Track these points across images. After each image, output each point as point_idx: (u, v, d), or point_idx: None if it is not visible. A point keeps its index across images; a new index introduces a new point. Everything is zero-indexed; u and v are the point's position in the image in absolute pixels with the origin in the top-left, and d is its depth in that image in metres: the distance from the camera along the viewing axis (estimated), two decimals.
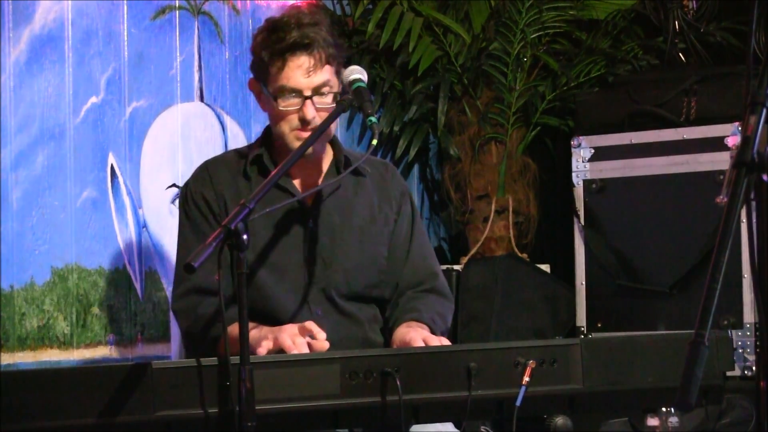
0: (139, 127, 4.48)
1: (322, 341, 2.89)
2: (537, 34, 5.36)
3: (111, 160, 4.39)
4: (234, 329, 3.06)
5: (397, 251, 3.34)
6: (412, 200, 3.45)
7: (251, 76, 3.31)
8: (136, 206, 4.46)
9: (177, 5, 4.62)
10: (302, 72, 3.13)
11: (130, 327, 4.44)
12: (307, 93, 3.13)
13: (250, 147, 3.39)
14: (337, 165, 3.30)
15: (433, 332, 3.16)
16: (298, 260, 3.23)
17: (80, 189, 4.29)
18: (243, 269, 2.55)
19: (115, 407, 2.49)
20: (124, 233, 4.42)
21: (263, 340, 2.94)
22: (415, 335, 3.03)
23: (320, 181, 3.28)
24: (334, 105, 3.14)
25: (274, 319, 3.16)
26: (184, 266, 2.53)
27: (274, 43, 3.15)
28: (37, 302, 4.15)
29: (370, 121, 3.00)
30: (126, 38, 4.45)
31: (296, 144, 3.14)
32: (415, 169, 5.69)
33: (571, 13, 5.38)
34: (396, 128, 5.37)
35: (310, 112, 3.13)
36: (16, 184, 4.10)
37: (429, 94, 5.43)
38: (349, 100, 3.08)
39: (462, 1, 5.37)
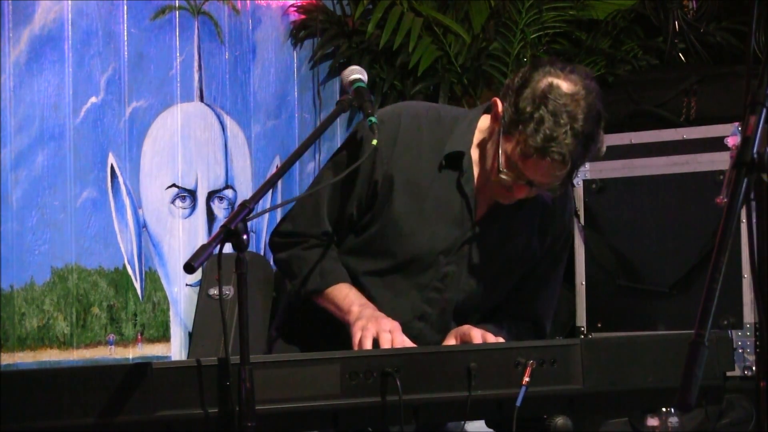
0: (139, 127, 4.48)
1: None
2: (537, 34, 5.36)
3: (111, 160, 4.39)
4: (332, 292, 3.09)
5: (526, 288, 3.24)
6: (566, 242, 3.29)
7: (502, 99, 3.00)
8: (136, 206, 4.46)
9: (177, 5, 4.62)
10: (543, 170, 2.93)
11: (130, 327, 4.44)
12: (532, 182, 2.97)
13: (468, 129, 3.14)
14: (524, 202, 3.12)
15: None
16: (445, 254, 3.13)
17: (80, 189, 4.29)
18: (243, 269, 2.54)
19: (115, 407, 2.49)
20: (124, 233, 4.42)
21: (366, 331, 2.91)
22: (476, 333, 2.99)
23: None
24: (539, 194, 3.02)
25: (379, 295, 3.12)
26: (184, 266, 2.52)
27: (540, 132, 2.87)
28: (37, 302, 4.15)
29: (370, 121, 3.00)
30: (126, 38, 4.45)
31: (494, 192, 3.03)
32: None
33: (571, 13, 5.38)
34: None
35: (522, 194, 3.00)
36: (16, 184, 4.10)
37: (429, 95, 5.43)
38: (349, 100, 3.07)
39: (462, 2, 5.37)
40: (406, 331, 2.98)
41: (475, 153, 3.12)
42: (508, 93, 2.97)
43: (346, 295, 3.08)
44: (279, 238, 3.22)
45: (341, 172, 3.06)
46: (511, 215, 3.14)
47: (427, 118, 3.14)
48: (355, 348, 2.91)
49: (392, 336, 2.90)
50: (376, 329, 2.91)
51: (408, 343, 2.91)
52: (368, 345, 2.90)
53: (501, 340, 2.99)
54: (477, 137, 3.13)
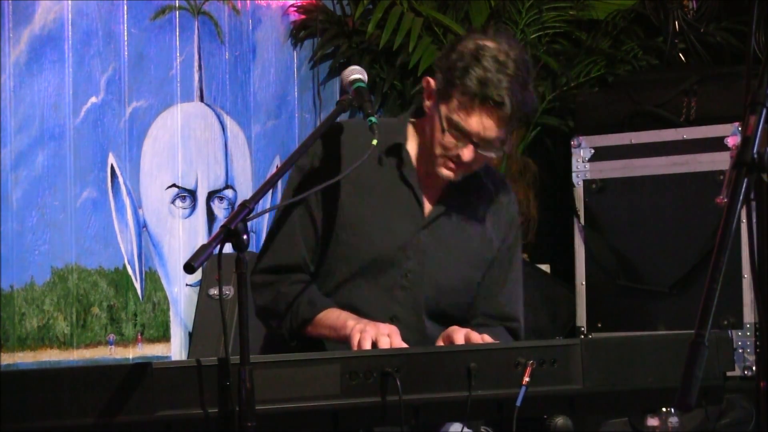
0: (139, 127, 4.48)
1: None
2: (537, 34, 5.36)
3: (111, 160, 4.39)
4: (325, 316, 3.08)
5: (490, 282, 3.26)
6: (518, 230, 3.35)
7: (434, 72, 3.12)
8: (136, 206, 4.46)
9: (177, 5, 4.62)
10: (483, 123, 3.02)
11: (130, 327, 4.44)
12: (476, 140, 3.04)
13: (398, 127, 3.22)
14: (466, 182, 3.19)
15: None
16: (402, 256, 3.15)
17: (80, 189, 4.29)
18: (243, 269, 2.54)
19: (115, 407, 2.49)
20: (124, 233, 4.42)
21: (365, 333, 2.92)
22: (458, 335, 3.00)
23: (443, 185, 3.18)
24: (493, 157, 3.10)
25: (352, 305, 3.12)
26: (184, 266, 2.53)
27: (472, 81, 3.00)
28: (37, 302, 4.15)
29: (370, 121, 3.00)
30: (126, 38, 4.45)
31: (439, 169, 3.08)
32: None
33: (571, 13, 5.38)
34: None
35: (468, 155, 3.05)
36: (16, 184, 4.10)
37: None
38: (349, 100, 3.07)
39: (462, 1, 5.37)
40: (383, 305, 3.06)
41: (411, 147, 3.19)
42: (438, 65, 3.10)
43: (338, 316, 3.08)
44: (262, 276, 3.19)
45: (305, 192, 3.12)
46: (460, 205, 3.19)
47: (362, 124, 3.16)
48: (354, 348, 2.92)
49: (390, 339, 2.91)
50: (374, 332, 2.92)
51: (405, 347, 2.91)
52: (367, 345, 2.90)
53: (487, 337, 2.99)
54: (410, 133, 3.21)
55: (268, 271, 3.18)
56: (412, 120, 3.24)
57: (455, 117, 3.03)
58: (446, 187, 3.19)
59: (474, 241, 3.23)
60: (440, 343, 3.04)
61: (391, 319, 3.13)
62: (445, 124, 3.05)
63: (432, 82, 3.11)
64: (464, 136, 3.04)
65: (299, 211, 3.17)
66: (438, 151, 3.09)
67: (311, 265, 3.17)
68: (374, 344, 2.91)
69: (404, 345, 2.92)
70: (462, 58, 3.03)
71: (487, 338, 2.99)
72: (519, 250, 3.35)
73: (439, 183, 3.17)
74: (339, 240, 3.15)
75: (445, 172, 3.11)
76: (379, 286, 3.15)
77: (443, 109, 3.06)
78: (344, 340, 3.01)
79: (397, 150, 3.18)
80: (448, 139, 3.05)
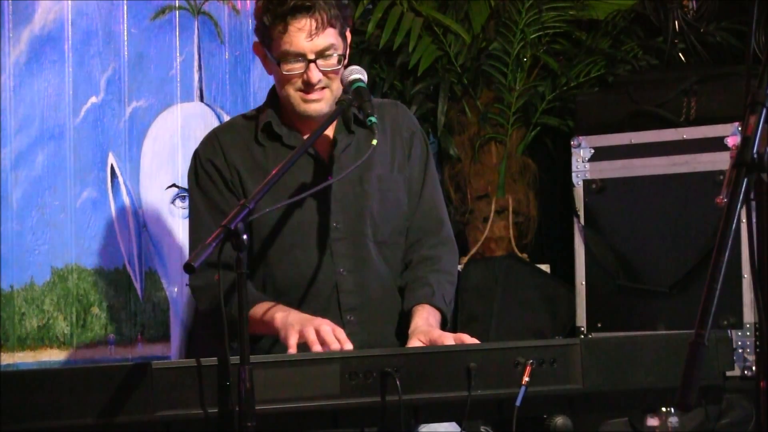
0: (139, 127, 4.48)
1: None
2: (537, 34, 5.36)
3: (111, 160, 4.39)
4: (257, 309, 3.10)
5: (411, 195, 3.35)
6: (425, 140, 3.42)
7: (255, 39, 3.26)
8: (136, 206, 4.46)
9: (177, 5, 4.62)
10: (305, 35, 3.10)
11: (129, 327, 4.44)
12: (311, 56, 3.12)
13: (258, 110, 3.37)
14: (346, 122, 3.29)
15: (444, 316, 3.19)
16: (323, 216, 3.23)
17: (80, 189, 4.29)
18: (243, 269, 2.55)
19: (114, 407, 2.49)
20: (123, 233, 4.42)
21: (290, 330, 2.94)
22: (417, 340, 3.03)
23: (331, 135, 3.27)
24: (340, 67, 3.14)
25: (295, 282, 3.18)
26: (184, 266, 2.53)
27: (275, 6, 3.10)
28: (37, 302, 4.15)
29: (370, 121, 3.01)
30: (126, 38, 4.45)
31: (303, 106, 3.17)
32: None
33: (571, 13, 5.38)
34: None
35: (314, 75, 3.13)
36: (16, 184, 4.10)
37: (429, 94, 5.43)
38: (348, 100, 3.08)
39: (462, 1, 5.36)
40: (329, 276, 3.18)
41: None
42: (256, 32, 3.21)
43: (266, 310, 3.10)
44: (199, 279, 3.22)
45: (211, 198, 3.23)
46: (356, 143, 3.26)
47: (232, 122, 3.35)
48: (292, 350, 2.90)
49: (331, 328, 2.91)
50: (313, 327, 2.91)
51: (344, 336, 2.92)
52: (293, 341, 2.90)
53: (448, 338, 2.99)
54: (271, 114, 3.29)
55: (206, 269, 3.17)
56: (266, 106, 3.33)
57: (282, 47, 3.10)
58: (335, 136, 3.26)
59: (383, 166, 3.29)
60: (415, 342, 3.05)
61: (344, 279, 3.19)
62: (279, 60, 3.12)
63: (259, 47, 3.22)
64: (298, 58, 3.11)
65: (208, 211, 3.24)
66: (290, 90, 3.16)
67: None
68: (317, 343, 2.91)
69: (343, 333, 2.92)
70: (258, 6, 3.15)
71: (448, 338, 3.01)
72: (431, 160, 3.41)
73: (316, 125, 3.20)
74: (265, 222, 3.20)
75: (310, 106, 3.18)
76: (311, 250, 3.21)
77: (273, 52, 3.14)
78: (275, 334, 3.03)
79: (268, 128, 3.26)
80: (289, 71, 3.12)
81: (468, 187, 5.45)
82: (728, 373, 2.85)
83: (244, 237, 2.55)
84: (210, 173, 3.27)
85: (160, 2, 4.57)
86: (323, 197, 3.23)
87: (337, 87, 3.18)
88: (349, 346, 2.89)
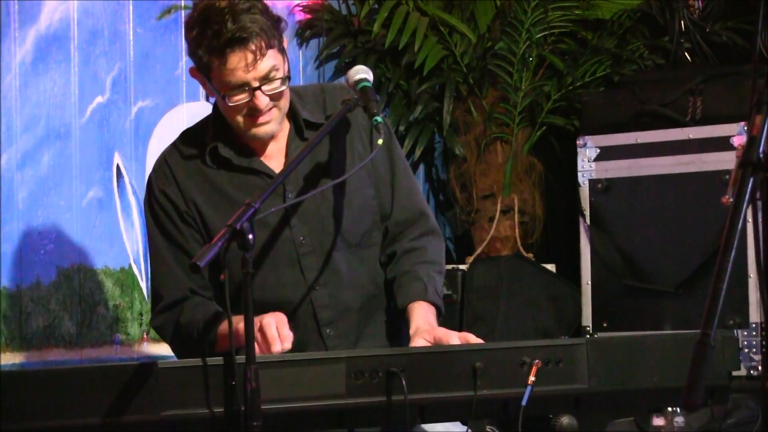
0: (144, 127, 4.49)
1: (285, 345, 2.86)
2: (543, 33, 5.36)
3: (117, 159, 4.40)
4: (223, 328, 3.03)
5: (381, 188, 3.26)
6: (388, 126, 3.27)
7: (192, 65, 3.14)
8: (142, 206, 4.47)
9: (182, 5, 4.62)
10: (244, 67, 2.99)
11: (135, 326, 4.44)
12: (255, 84, 3.01)
13: (205, 124, 3.24)
14: (298, 129, 3.19)
15: (439, 309, 3.14)
16: (287, 232, 3.16)
17: (86, 189, 4.29)
18: (248, 269, 2.54)
19: (120, 407, 2.49)
20: (129, 233, 4.42)
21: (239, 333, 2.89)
22: (419, 340, 3.00)
23: (285, 149, 3.19)
24: (284, 88, 3.06)
25: (268, 303, 3.07)
26: (189, 266, 2.52)
27: (210, 40, 2.97)
28: (43, 302, 4.16)
29: (376, 120, 3.00)
30: (132, 38, 4.46)
31: (253, 130, 3.07)
32: (421, 168, 5.69)
33: (576, 12, 5.38)
34: (401, 128, 5.37)
35: (261, 101, 3.03)
36: (21, 184, 4.11)
37: (434, 94, 5.43)
38: (354, 99, 3.07)
39: (468, 1, 5.37)
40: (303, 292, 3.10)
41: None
42: (190, 57, 3.08)
43: (224, 325, 3.03)
44: (159, 318, 3.17)
45: (168, 232, 3.15)
46: (311, 154, 3.15)
47: (180, 143, 3.22)
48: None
49: (274, 320, 2.86)
50: (259, 322, 2.85)
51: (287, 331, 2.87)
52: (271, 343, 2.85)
53: (453, 337, 2.96)
54: (215, 131, 3.18)
55: (164, 311, 3.16)
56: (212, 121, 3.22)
57: (224, 79, 3.00)
58: (289, 144, 3.17)
59: (340, 165, 3.19)
60: (418, 342, 3.00)
61: (319, 294, 3.14)
62: (222, 92, 3.02)
63: (196, 73, 3.10)
64: (243, 88, 3.01)
65: (166, 247, 3.16)
66: (238, 118, 3.07)
67: (205, 281, 3.15)
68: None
69: (288, 329, 2.87)
70: (193, 39, 3.02)
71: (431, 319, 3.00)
72: (397, 148, 3.32)
73: (273, 147, 3.15)
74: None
75: (260, 129, 3.09)
76: (281, 269, 3.14)
77: (214, 83, 3.04)
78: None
79: (216, 151, 3.15)
80: (235, 102, 3.03)
81: (473, 186, 5.45)
82: (734, 373, 2.85)
83: (250, 237, 2.55)
84: (164, 206, 3.17)
85: (166, 2, 4.57)
86: (284, 213, 3.14)
87: (284, 103, 3.09)
88: (288, 345, 2.84)
